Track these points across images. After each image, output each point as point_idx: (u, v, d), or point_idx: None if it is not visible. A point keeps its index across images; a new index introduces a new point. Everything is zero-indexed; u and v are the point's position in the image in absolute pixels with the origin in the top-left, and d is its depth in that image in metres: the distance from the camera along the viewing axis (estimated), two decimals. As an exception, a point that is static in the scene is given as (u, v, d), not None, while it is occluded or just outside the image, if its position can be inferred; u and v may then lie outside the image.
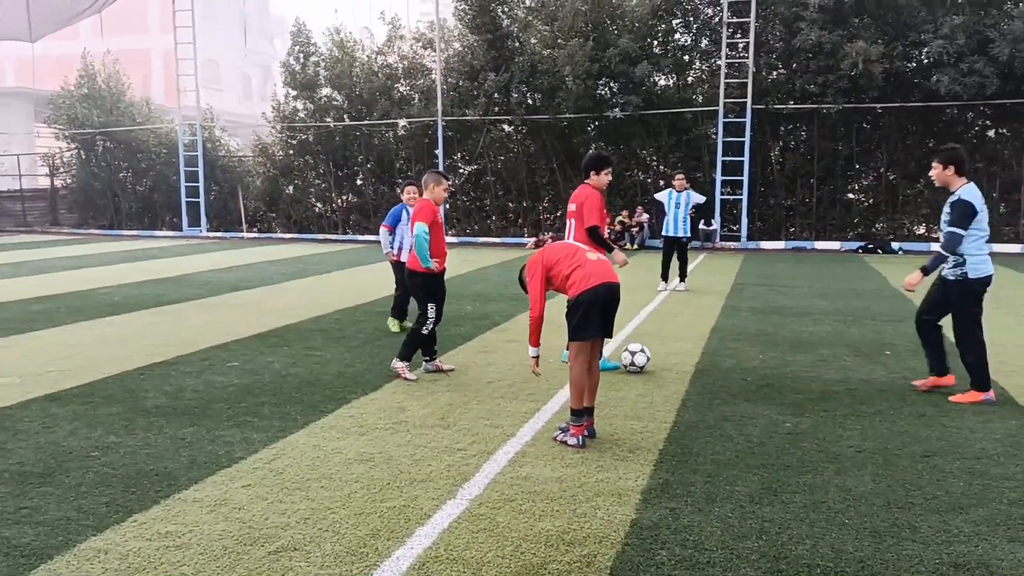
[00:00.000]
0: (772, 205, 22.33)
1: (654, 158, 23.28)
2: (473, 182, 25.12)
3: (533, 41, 23.10)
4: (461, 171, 25.01)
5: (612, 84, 22.06)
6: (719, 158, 21.21)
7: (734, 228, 21.81)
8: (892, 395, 6.51)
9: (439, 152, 23.68)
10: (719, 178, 21.34)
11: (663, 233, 13.01)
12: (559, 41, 22.10)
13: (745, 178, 21.08)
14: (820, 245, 20.86)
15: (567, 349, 5.52)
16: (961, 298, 6.21)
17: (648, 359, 7.24)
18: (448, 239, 23.15)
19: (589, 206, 7.09)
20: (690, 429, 5.65)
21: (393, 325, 9.42)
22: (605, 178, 7.08)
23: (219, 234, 26.78)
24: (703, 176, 22.18)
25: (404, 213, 9.14)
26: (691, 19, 22.16)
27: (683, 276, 12.85)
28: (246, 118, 38.28)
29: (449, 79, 24.02)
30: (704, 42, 21.98)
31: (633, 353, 7.21)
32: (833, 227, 21.54)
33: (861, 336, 9.09)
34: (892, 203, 21.48)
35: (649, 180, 23.30)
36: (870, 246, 20.01)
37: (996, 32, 18.21)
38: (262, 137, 27.50)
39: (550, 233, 21.98)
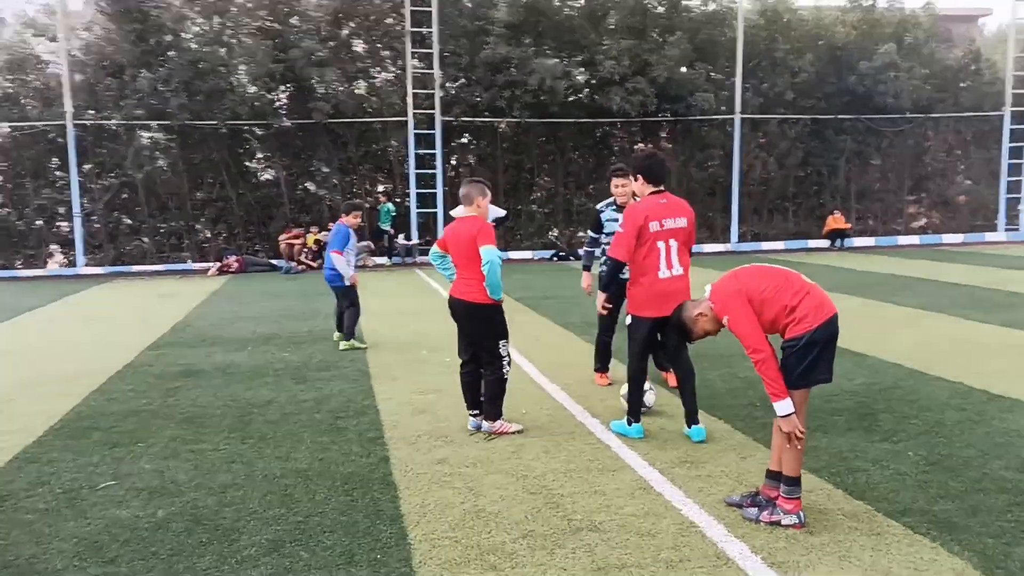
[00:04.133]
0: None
1: (339, 172, 22.84)
2: (118, 198, 22.13)
3: (188, 36, 21.23)
4: (100, 184, 21.85)
5: (294, 89, 21.22)
6: (411, 171, 21.62)
7: (430, 242, 22.36)
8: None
9: (71, 162, 20.44)
10: (413, 191, 21.75)
11: None
12: (227, 38, 20.63)
13: (439, 191, 21.80)
14: (515, 255, 22.40)
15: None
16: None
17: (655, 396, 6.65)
18: (89, 268, 20.30)
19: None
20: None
21: (346, 345, 9.59)
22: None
23: None
24: (394, 189, 22.45)
25: (351, 235, 9.75)
26: (372, 26, 22.23)
27: None
28: None
29: (79, 75, 20.92)
30: (386, 52, 22.21)
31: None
32: (522, 236, 23.28)
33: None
34: (568, 213, 23.95)
35: (336, 195, 22.82)
36: (562, 254, 22.05)
37: (655, 56, 21.41)
38: None
39: (235, 256, 20.33)
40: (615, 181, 7.41)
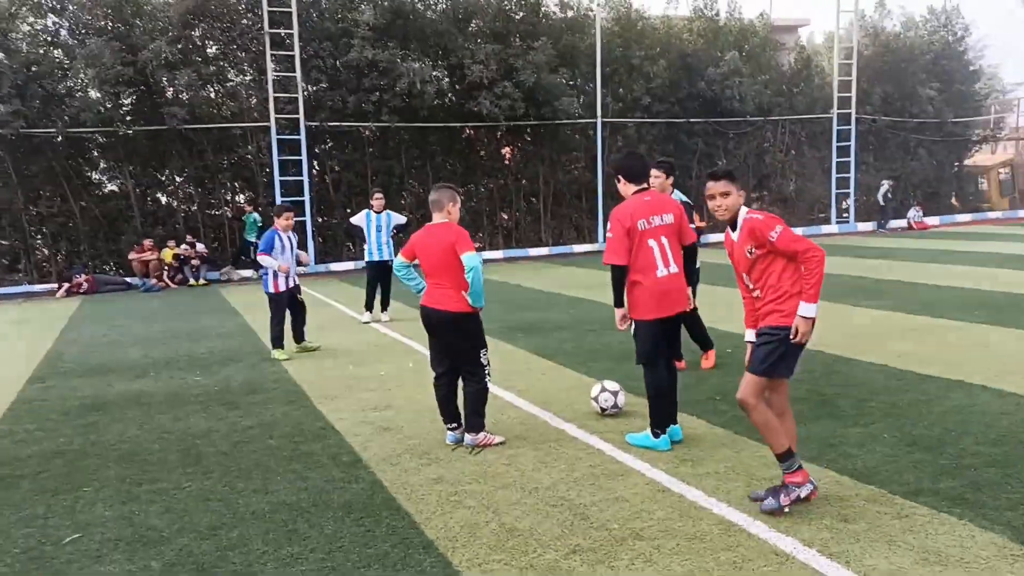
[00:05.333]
0: (332, 225, 22.63)
1: (197, 180, 21.48)
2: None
3: (19, 36, 19.35)
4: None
5: (142, 93, 19.79)
6: (276, 178, 20.71)
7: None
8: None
9: None
10: (279, 200, 20.79)
11: (366, 259, 12.26)
12: (65, 38, 18.97)
13: (306, 198, 21.01)
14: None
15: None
16: None
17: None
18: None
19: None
20: None
21: (280, 355, 9.51)
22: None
23: None
24: (257, 198, 21.41)
25: (276, 239, 9.49)
26: (227, 27, 21.08)
27: (386, 305, 12.32)
28: None
29: None
30: (242, 54, 21.12)
31: (615, 394, 6.49)
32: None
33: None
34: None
35: (193, 207, 21.51)
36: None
37: (521, 61, 21.59)
38: None
39: (84, 275, 18.69)
40: (653, 172, 7.23)
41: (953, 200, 31.68)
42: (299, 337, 10.00)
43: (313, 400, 7.49)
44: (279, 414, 7.05)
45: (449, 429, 6.00)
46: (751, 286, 4.67)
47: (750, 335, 4.71)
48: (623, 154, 6.25)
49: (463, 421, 5.98)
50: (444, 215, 5.95)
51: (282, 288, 9.58)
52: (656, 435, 5.68)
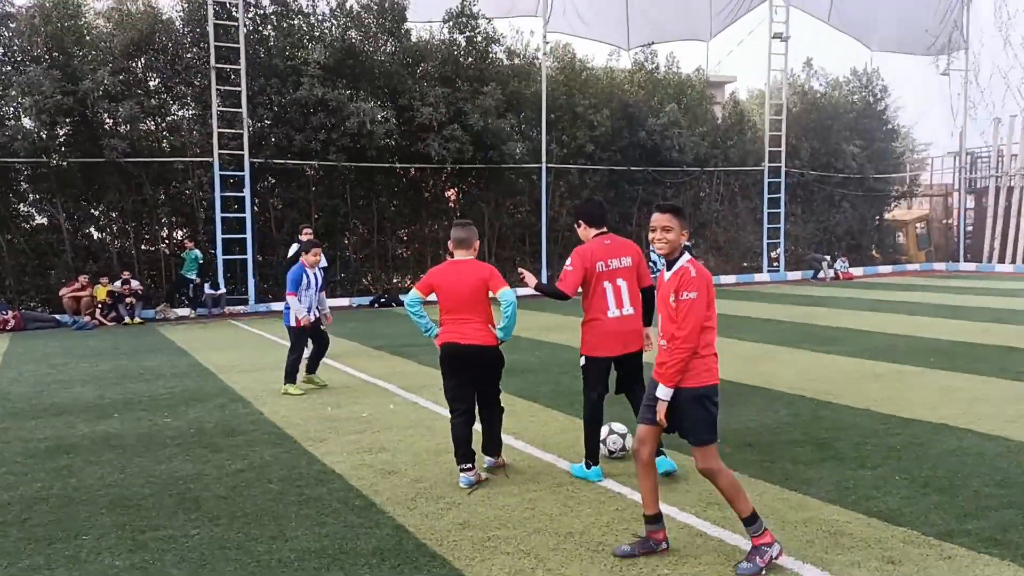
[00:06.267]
0: (275, 264, 22.10)
1: (133, 214, 20.71)
2: None
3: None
4: None
5: (78, 123, 19.09)
6: (218, 214, 20.19)
7: (240, 291, 20.94)
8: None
9: None
10: (220, 236, 20.29)
11: None
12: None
13: (248, 236, 20.53)
14: (331, 302, 21.47)
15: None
16: None
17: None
18: None
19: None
20: None
21: (294, 389, 9.42)
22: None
23: None
24: (195, 234, 20.81)
25: (304, 276, 9.50)
26: (172, 60, 20.61)
27: None
28: None
29: None
30: (185, 87, 20.64)
31: (623, 436, 6.41)
32: (337, 282, 22.42)
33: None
34: (384, 259, 23.51)
35: (128, 242, 20.74)
36: (383, 300, 21.53)
37: (470, 105, 21.74)
38: None
39: (9, 311, 17.74)
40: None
41: (873, 252, 33.11)
42: (312, 368, 9.88)
43: (300, 442, 7.21)
44: (268, 457, 6.76)
45: (463, 471, 5.86)
46: (661, 335, 4.50)
47: (665, 393, 4.35)
48: (584, 200, 6.59)
49: (494, 450, 6.21)
50: (471, 252, 6.08)
51: (303, 323, 9.47)
52: (588, 465, 5.95)
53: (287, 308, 9.56)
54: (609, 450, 6.41)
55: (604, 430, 6.51)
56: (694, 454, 4.45)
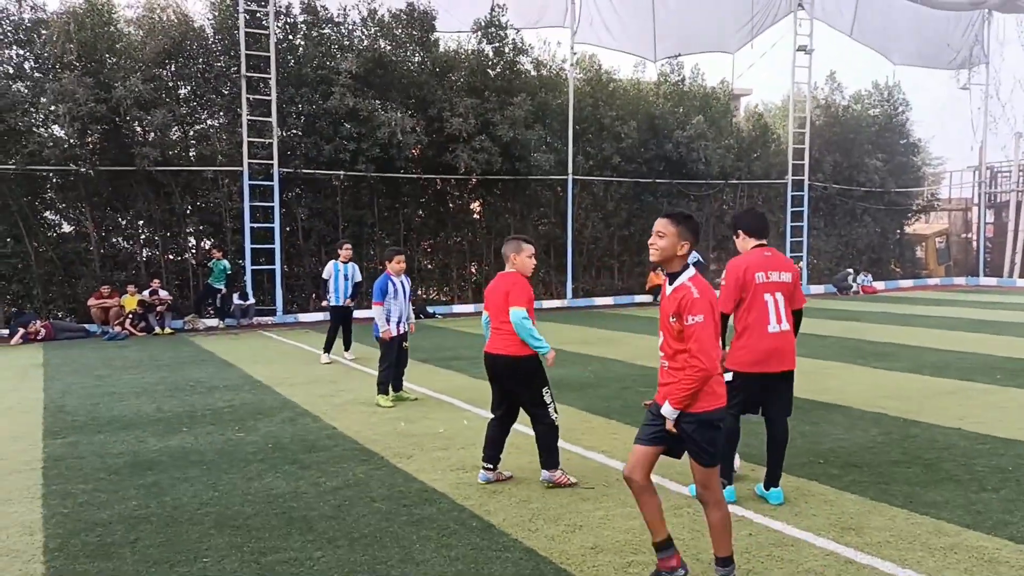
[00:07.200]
0: (301, 275, 21.96)
1: (162, 223, 20.56)
2: None
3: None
4: None
5: (109, 131, 18.95)
6: (247, 224, 20.05)
7: (265, 302, 20.76)
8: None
9: None
10: (248, 246, 20.13)
11: (332, 303, 13.37)
12: (31, 70, 18.11)
13: (277, 246, 20.39)
14: (359, 314, 21.31)
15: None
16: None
17: None
18: None
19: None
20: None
21: (385, 401, 9.39)
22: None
23: None
24: (224, 244, 20.66)
25: (390, 284, 9.51)
26: (204, 68, 20.52)
27: (347, 345, 13.51)
28: None
29: None
30: (215, 96, 20.51)
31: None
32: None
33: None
34: (409, 270, 23.29)
35: (155, 251, 20.58)
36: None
37: (499, 116, 21.64)
38: None
39: (39, 321, 17.55)
40: None
41: (893, 266, 33.01)
42: (397, 385, 9.78)
43: (388, 459, 7.04)
44: (360, 474, 6.59)
45: (484, 468, 6.29)
46: (663, 355, 4.34)
47: (670, 411, 4.18)
48: (745, 210, 6.38)
49: (546, 464, 6.18)
50: (510, 265, 6.30)
51: (393, 333, 9.52)
52: (723, 485, 5.55)
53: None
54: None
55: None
56: (696, 477, 4.29)
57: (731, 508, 5.56)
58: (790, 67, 27.74)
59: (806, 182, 28.09)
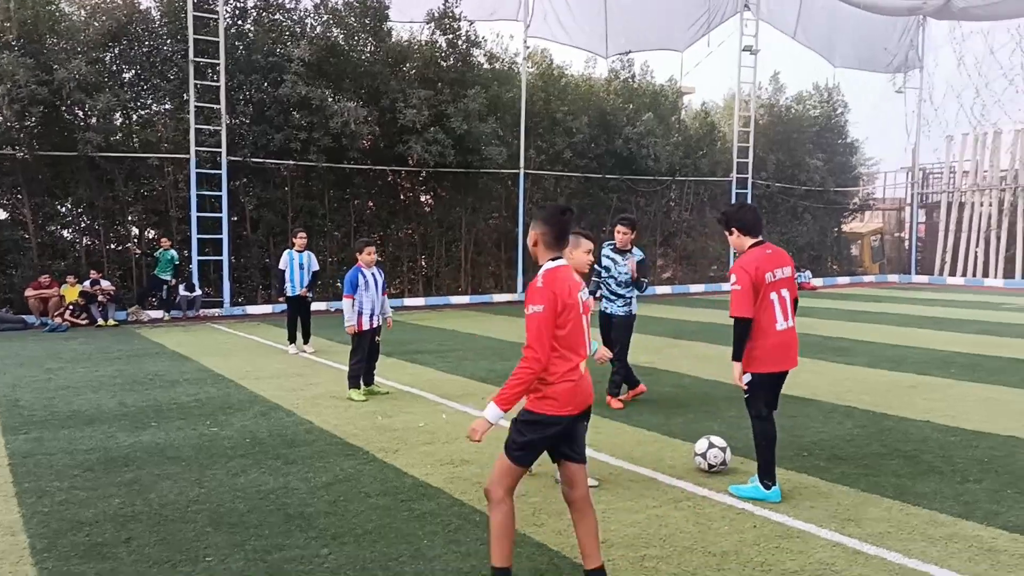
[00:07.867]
0: (249, 266, 21.44)
1: (104, 212, 19.81)
2: None
3: None
4: None
5: (47, 115, 18.18)
6: (193, 213, 19.48)
7: (211, 293, 20.21)
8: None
9: None
10: (195, 236, 19.58)
11: (287, 295, 13.07)
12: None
13: (225, 237, 19.87)
14: (319, 306, 20.92)
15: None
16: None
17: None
18: None
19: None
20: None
21: (357, 395, 9.24)
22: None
23: None
24: (173, 234, 20.04)
25: (360, 277, 9.28)
26: (150, 52, 19.83)
27: (307, 337, 13.29)
28: None
29: None
30: (162, 81, 19.85)
31: (723, 449, 6.30)
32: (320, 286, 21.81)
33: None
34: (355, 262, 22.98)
35: (96, 240, 19.84)
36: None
37: (453, 108, 21.47)
38: None
39: None
40: (620, 228, 8.77)
41: (831, 263, 33.91)
42: (369, 379, 9.64)
43: (374, 454, 6.92)
44: (348, 469, 6.46)
45: None
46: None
47: (495, 413, 3.99)
48: (737, 205, 6.10)
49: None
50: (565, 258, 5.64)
51: (365, 327, 9.35)
52: (767, 487, 5.65)
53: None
54: (709, 464, 6.30)
55: (703, 443, 6.40)
56: (495, 469, 4.08)
57: (729, 501, 5.65)
58: (735, 67, 28.25)
59: (750, 180, 28.63)
